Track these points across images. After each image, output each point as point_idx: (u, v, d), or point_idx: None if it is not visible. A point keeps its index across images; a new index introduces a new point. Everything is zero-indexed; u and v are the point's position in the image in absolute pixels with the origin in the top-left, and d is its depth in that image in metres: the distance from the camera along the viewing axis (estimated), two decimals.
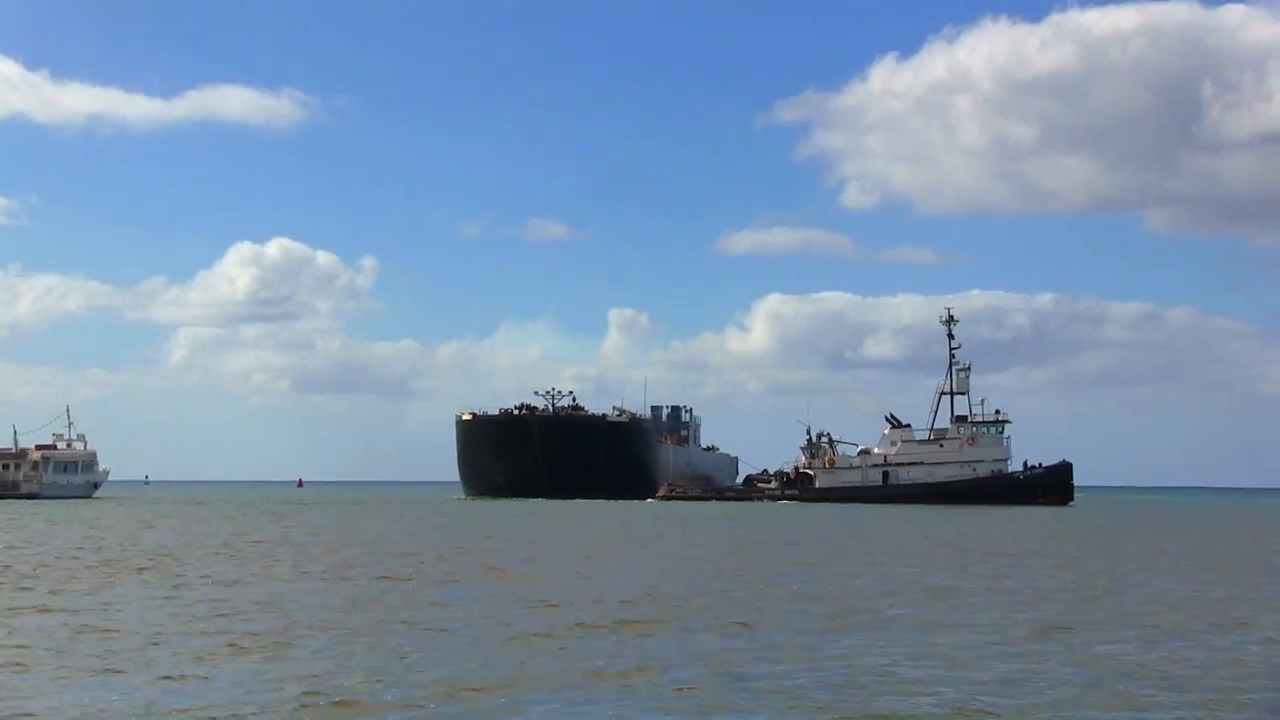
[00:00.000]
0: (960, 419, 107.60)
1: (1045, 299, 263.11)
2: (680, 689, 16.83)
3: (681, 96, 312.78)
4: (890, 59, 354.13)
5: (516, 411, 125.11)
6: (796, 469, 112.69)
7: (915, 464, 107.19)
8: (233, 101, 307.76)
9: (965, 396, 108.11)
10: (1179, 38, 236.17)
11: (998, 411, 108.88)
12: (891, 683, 17.44)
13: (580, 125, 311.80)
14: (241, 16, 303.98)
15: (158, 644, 20.10)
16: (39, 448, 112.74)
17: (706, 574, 34.03)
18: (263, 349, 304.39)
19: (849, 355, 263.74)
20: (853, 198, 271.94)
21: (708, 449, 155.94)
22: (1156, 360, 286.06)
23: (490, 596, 27.63)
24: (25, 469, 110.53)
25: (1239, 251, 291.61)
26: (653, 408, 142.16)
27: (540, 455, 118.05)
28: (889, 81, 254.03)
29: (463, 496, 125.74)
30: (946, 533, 57.85)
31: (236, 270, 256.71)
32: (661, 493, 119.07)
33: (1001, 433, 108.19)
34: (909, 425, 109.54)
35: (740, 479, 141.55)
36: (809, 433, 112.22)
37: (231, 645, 19.96)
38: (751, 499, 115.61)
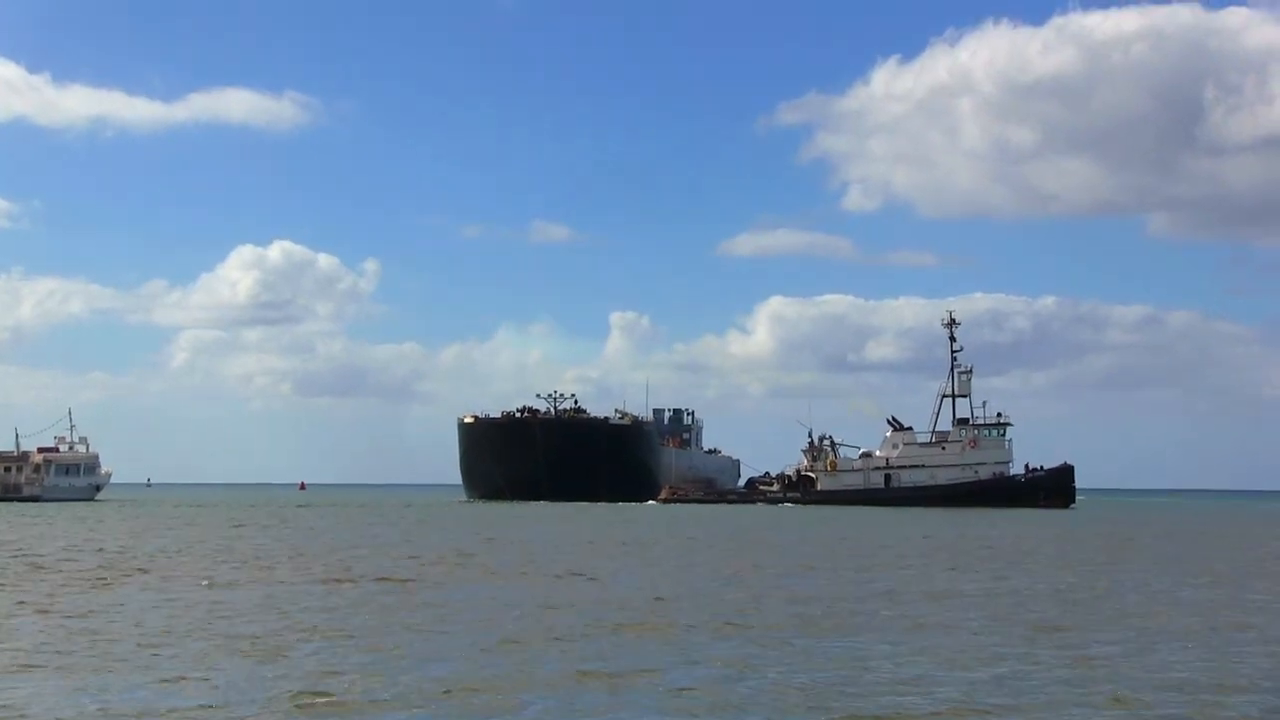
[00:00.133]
0: (962, 422, 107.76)
1: (1047, 302, 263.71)
2: (679, 690, 16.85)
3: (684, 99, 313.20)
4: (892, 62, 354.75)
5: (518, 414, 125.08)
6: (798, 472, 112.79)
7: (917, 466, 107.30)
8: (235, 104, 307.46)
9: (967, 399, 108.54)
10: (1181, 41, 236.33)
11: (999, 414, 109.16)
12: (891, 683, 17.46)
13: (582, 127, 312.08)
14: (243, 20, 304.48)
15: (157, 645, 20.12)
16: (41, 450, 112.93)
17: (706, 576, 34.04)
18: (265, 352, 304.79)
19: (851, 358, 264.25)
20: (854, 200, 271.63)
21: (709, 452, 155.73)
22: (1158, 363, 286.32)
23: (490, 598, 27.65)
24: (27, 472, 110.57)
25: (1241, 255, 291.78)
26: (654, 410, 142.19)
27: (542, 458, 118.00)
28: (891, 84, 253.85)
29: (464, 499, 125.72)
30: (947, 535, 57.85)
31: (238, 273, 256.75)
32: (663, 495, 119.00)
33: (1003, 435, 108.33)
34: (911, 428, 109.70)
35: (742, 482, 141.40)
36: (811, 435, 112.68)
37: (231, 647, 19.98)
38: (753, 501, 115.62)
